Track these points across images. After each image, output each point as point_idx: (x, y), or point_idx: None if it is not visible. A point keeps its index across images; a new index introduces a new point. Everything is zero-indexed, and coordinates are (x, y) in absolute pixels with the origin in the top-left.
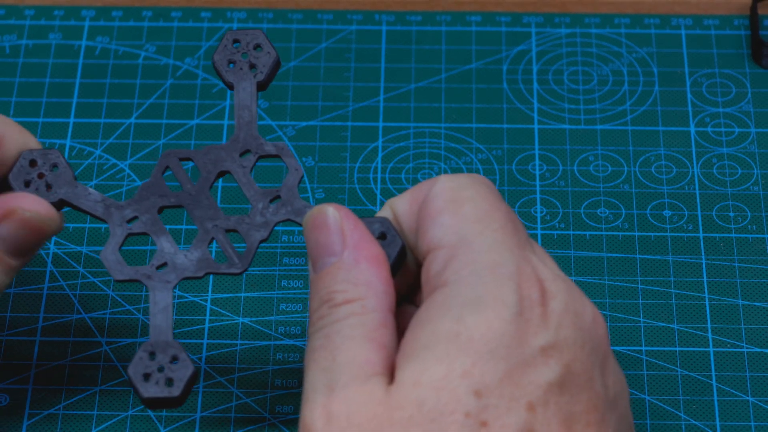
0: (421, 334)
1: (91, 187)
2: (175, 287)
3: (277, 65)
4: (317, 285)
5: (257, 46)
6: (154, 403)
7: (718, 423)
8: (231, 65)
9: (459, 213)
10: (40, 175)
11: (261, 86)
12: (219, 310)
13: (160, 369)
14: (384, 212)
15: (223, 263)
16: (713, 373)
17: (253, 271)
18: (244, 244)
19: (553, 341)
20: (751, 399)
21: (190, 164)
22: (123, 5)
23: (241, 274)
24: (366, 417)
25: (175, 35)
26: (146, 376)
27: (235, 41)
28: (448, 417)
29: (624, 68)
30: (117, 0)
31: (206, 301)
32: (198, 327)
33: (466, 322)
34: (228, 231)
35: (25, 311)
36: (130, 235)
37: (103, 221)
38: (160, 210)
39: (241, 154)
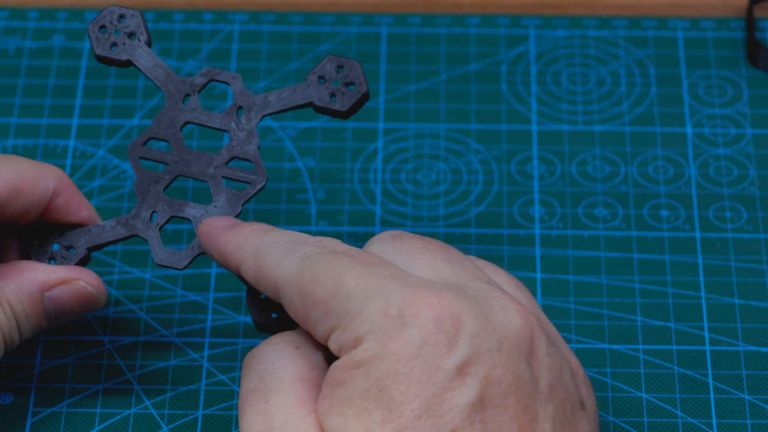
0: (338, 396)
1: (94, 187)
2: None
3: (143, 19)
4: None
5: (120, 17)
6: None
7: (714, 421)
8: (113, 47)
9: (318, 303)
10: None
11: (148, 44)
12: (221, 308)
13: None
14: None
15: (246, 188)
16: (710, 372)
17: None
18: (249, 163)
19: (469, 356)
20: (747, 397)
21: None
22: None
23: (265, 185)
24: None
25: (178, 37)
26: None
27: (101, 27)
28: None
29: (622, 70)
30: (120, 3)
31: (208, 300)
32: (200, 326)
33: (375, 374)
34: (228, 162)
35: None
36: (161, 228)
37: (134, 236)
38: (164, 189)
39: (183, 100)
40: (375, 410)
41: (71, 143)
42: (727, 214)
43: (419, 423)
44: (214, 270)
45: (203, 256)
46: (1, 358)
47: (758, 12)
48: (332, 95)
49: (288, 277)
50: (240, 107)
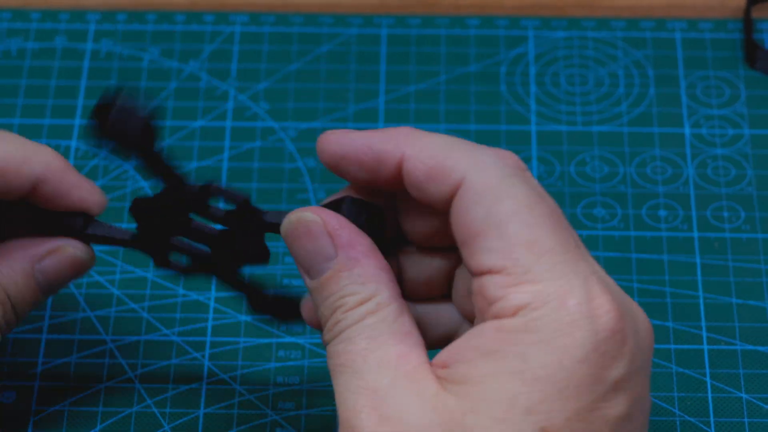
0: (481, 363)
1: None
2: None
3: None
4: (321, 293)
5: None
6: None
7: (712, 419)
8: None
9: (505, 235)
10: None
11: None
12: (222, 308)
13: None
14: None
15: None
16: (707, 371)
17: (256, 270)
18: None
19: (626, 372)
20: (744, 396)
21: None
22: (128, 9)
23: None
24: (422, 422)
25: (179, 38)
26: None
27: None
28: None
29: (620, 71)
30: (122, 4)
31: (209, 299)
32: (201, 325)
33: (533, 361)
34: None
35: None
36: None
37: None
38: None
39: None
40: (521, 395)
41: (73, 143)
42: (725, 214)
43: (567, 425)
44: None
45: None
46: None
47: (756, 13)
48: None
49: (494, 188)
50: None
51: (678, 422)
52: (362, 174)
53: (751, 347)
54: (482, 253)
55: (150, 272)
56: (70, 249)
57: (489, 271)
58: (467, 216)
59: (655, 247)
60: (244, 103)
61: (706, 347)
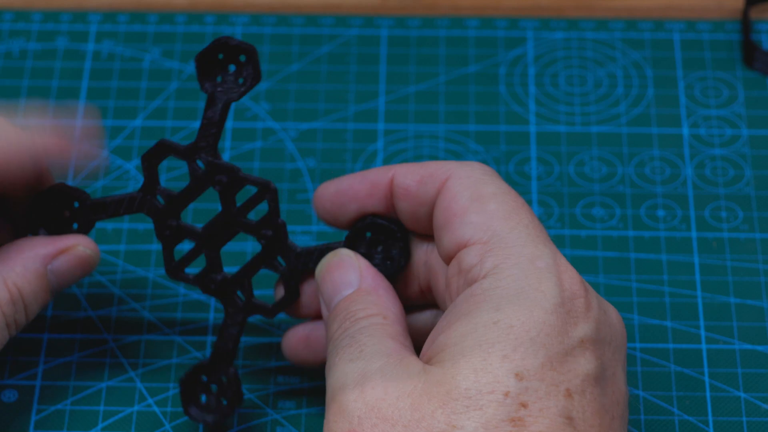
0: (457, 325)
1: (98, 187)
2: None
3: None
4: (335, 314)
5: (247, 61)
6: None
7: (710, 418)
8: (219, 78)
9: (486, 210)
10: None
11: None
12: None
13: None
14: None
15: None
16: (706, 370)
17: None
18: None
19: (592, 335)
20: (742, 395)
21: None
22: (129, 10)
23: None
24: (403, 390)
25: (180, 39)
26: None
27: (225, 50)
28: (486, 396)
29: (619, 71)
30: (123, 5)
31: (210, 299)
32: (202, 324)
33: (506, 311)
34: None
35: None
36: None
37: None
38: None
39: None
40: (497, 344)
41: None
42: (723, 214)
43: (540, 371)
44: None
45: None
46: (5, 343)
47: (753, 14)
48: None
49: (478, 178)
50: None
51: (677, 421)
52: (354, 205)
53: (749, 346)
54: (463, 227)
55: (151, 272)
56: (80, 248)
57: (466, 244)
58: (452, 199)
59: (653, 246)
60: (245, 104)
61: (704, 346)
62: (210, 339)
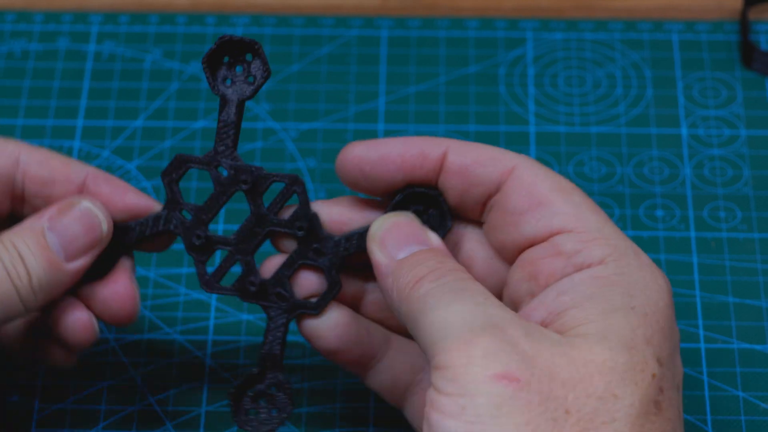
0: (592, 303)
1: None
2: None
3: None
4: (415, 260)
5: (254, 58)
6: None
7: (709, 417)
8: (228, 81)
9: (573, 201)
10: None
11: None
12: (224, 307)
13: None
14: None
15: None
16: (705, 369)
17: None
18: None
19: (679, 335)
20: (741, 394)
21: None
22: (130, 11)
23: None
24: (555, 351)
25: (181, 40)
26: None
27: (229, 49)
28: (639, 373)
29: (618, 72)
30: (124, 6)
31: (211, 298)
32: (203, 324)
33: (639, 299)
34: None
35: None
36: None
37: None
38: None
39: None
40: (639, 328)
41: (76, 144)
42: (722, 214)
43: (669, 362)
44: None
45: None
46: (17, 316)
47: (752, 15)
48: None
49: (547, 171)
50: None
51: None
52: (399, 174)
53: (747, 346)
54: (554, 214)
55: (152, 272)
56: (85, 203)
57: (561, 230)
58: (533, 186)
59: (652, 246)
60: (246, 104)
61: (703, 346)
62: (211, 338)
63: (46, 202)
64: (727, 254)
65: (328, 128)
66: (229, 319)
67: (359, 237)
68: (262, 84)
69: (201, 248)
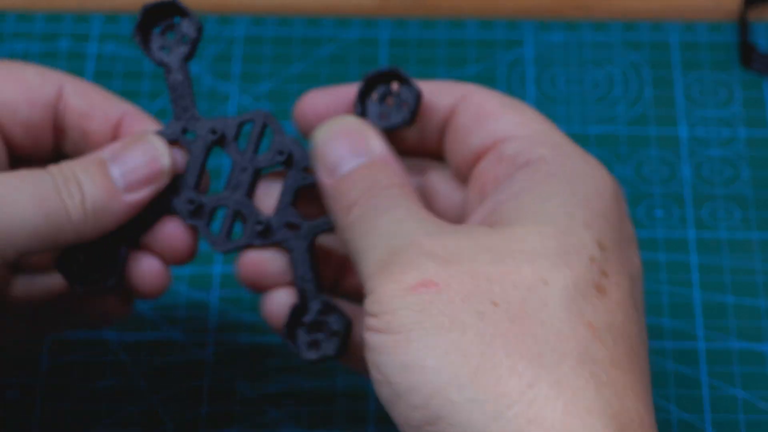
0: (529, 194)
1: None
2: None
3: (410, 121)
4: (350, 180)
5: (182, 18)
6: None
7: (707, 416)
8: (165, 50)
9: (524, 113)
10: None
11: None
12: (225, 307)
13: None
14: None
15: (214, 235)
16: (703, 368)
17: None
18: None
19: (634, 236)
20: (740, 393)
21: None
22: (131, 12)
23: (219, 251)
24: (481, 245)
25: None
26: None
27: (156, 18)
28: (574, 256)
29: (617, 73)
30: (125, 7)
31: (213, 298)
32: (204, 323)
33: (579, 187)
34: (238, 214)
35: None
36: (174, 142)
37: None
38: (214, 145)
39: (307, 170)
40: (578, 211)
41: None
42: (721, 214)
43: (615, 248)
44: (218, 269)
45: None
46: (66, 238)
47: (751, 16)
48: (382, 116)
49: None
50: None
51: (674, 420)
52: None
53: (746, 345)
54: (500, 124)
55: None
56: (149, 136)
57: (505, 138)
58: (482, 103)
59: (651, 246)
60: (247, 105)
61: (701, 345)
62: (212, 338)
63: (83, 136)
64: (726, 254)
65: None
66: (230, 319)
67: None
68: (198, 39)
69: (197, 213)
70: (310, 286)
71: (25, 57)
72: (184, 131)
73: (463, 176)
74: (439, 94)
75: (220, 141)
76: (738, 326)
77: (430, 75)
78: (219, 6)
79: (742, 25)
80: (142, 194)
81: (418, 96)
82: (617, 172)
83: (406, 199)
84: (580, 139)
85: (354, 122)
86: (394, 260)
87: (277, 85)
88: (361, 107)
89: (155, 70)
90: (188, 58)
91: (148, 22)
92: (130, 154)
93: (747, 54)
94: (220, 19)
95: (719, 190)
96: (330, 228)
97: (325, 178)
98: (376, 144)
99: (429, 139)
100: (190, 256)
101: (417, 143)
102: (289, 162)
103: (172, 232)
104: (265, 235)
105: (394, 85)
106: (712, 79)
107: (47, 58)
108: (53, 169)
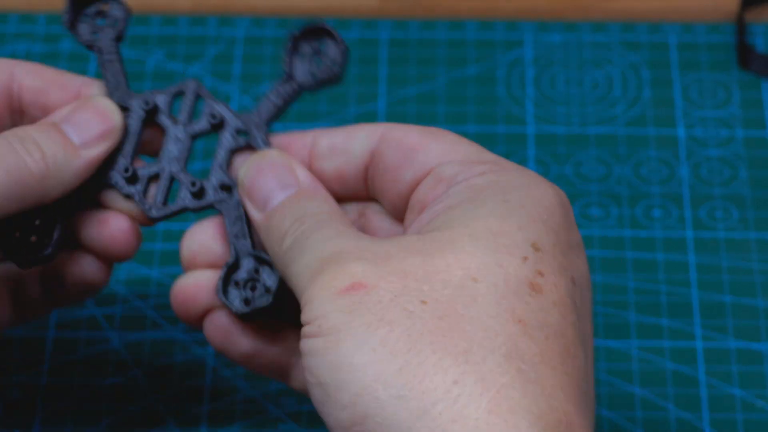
0: (461, 206)
1: None
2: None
3: (335, 80)
4: (281, 211)
5: (109, 2)
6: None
7: (705, 415)
8: (96, 35)
9: (445, 139)
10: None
11: (308, 88)
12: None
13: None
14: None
15: (149, 203)
16: (701, 367)
17: None
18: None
19: (581, 244)
20: (737, 392)
21: None
22: (132, 13)
23: (150, 222)
24: (409, 249)
25: (183, 42)
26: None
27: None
28: (506, 255)
29: (616, 73)
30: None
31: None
32: None
33: (514, 195)
34: (173, 179)
35: None
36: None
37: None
38: (149, 119)
39: (239, 132)
40: (511, 216)
41: None
42: (719, 214)
43: (552, 251)
44: None
45: None
46: (35, 197)
47: (748, 17)
48: (312, 74)
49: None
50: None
51: (673, 418)
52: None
53: (744, 344)
54: (427, 156)
55: (155, 270)
56: (96, 96)
57: (439, 163)
58: (402, 139)
59: (649, 246)
60: (248, 105)
61: (699, 344)
62: None
63: (43, 111)
64: (724, 254)
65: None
66: None
67: (271, 95)
68: (126, 20)
69: (132, 180)
70: (244, 243)
71: (28, 57)
72: (120, 107)
73: (399, 211)
74: (354, 139)
75: (153, 112)
76: (736, 325)
77: (430, 75)
78: (219, 7)
79: (740, 26)
80: (98, 150)
81: (345, 51)
82: (616, 172)
83: (335, 221)
84: (580, 140)
85: (277, 155)
86: (324, 269)
87: None
88: (289, 66)
89: (156, 70)
90: (118, 39)
91: (78, 8)
92: (81, 114)
93: (745, 55)
94: (220, 20)
95: (717, 190)
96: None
97: (256, 214)
98: (302, 174)
99: (352, 185)
100: (130, 251)
101: (342, 190)
102: (221, 125)
103: (115, 227)
104: (198, 196)
105: (318, 43)
106: (711, 80)
107: (49, 59)
108: (6, 133)
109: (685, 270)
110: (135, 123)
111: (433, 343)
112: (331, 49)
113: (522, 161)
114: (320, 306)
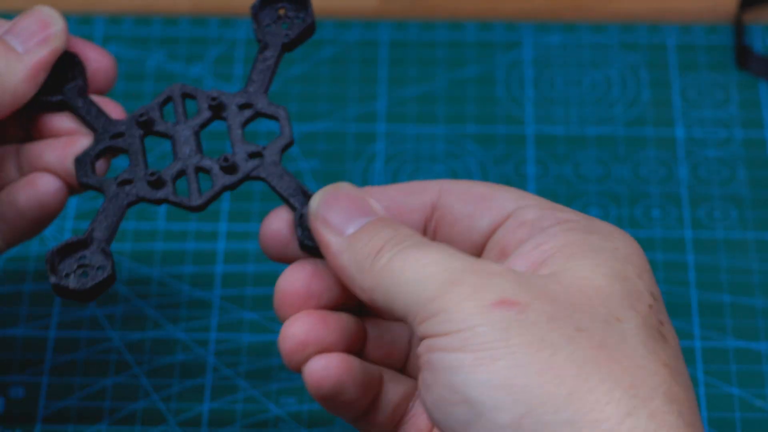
0: (573, 247)
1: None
2: (130, 206)
3: (310, 31)
4: (361, 239)
5: (300, 9)
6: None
7: (704, 414)
8: (268, 27)
9: (511, 189)
10: None
11: (287, 48)
12: (226, 305)
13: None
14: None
15: (185, 197)
16: (700, 367)
17: (261, 267)
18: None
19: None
20: (735, 391)
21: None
22: (133, 13)
23: (196, 210)
24: (545, 285)
25: (185, 42)
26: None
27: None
28: (636, 302)
29: (615, 74)
30: (128, 8)
31: (215, 297)
32: (206, 322)
33: (618, 244)
34: (199, 169)
35: (39, 306)
36: (109, 149)
37: (93, 130)
38: (147, 133)
39: (243, 107)
40: (630, 264)
41: None
42: (717, 214)
43: (660, 300)
44: (220, 268)
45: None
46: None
47: (746, 18)
48: (286, 35)
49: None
50: (260, 155)
51: None
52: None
53: (742, 344)
54: (502, 203)
55: (156, 270)
56: (36, 6)
57: (516, 209)
58: (468, 192)
59: (648, 246)
60: None
61: (698, 344)
62: (214, 336)
63: None
64: (723, 254)
65: (329, 129)
66: (231, 318)
67: (258, 66)
68: (303, 32)
69: (158, 184)
70: (299, 198)
71: None
72: (114, 136)
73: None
74: (412, 196)
75: (148, 125)
76: (734, 325)
77: (430, 76)
78: (221, 8)
79: (738, 28)
80: (41, 53)
81: (306, 2)
82: (615, 172)
83: (440, 243)
84: (579, 140)
85: (351, 186)
86: (463, 280)
87: (278, 86)
88: (262, 35)
89: (157, 71)
90: (288, 45)
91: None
92: (21, 24)
93: (743, 56)
94: (221, 21)
95: (716, 191)
96: (291, 140)
97: (332, 237)
98: (378, 207)
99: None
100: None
101: None
102: (221, 107)
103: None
104: (232, 171)
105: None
106: (709, 81)
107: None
108: None
109: (684, 270)
110: (135, 141)
111: (599, 372)
112: (293, 5)
113: (521, 162)
114: (467, 318)
